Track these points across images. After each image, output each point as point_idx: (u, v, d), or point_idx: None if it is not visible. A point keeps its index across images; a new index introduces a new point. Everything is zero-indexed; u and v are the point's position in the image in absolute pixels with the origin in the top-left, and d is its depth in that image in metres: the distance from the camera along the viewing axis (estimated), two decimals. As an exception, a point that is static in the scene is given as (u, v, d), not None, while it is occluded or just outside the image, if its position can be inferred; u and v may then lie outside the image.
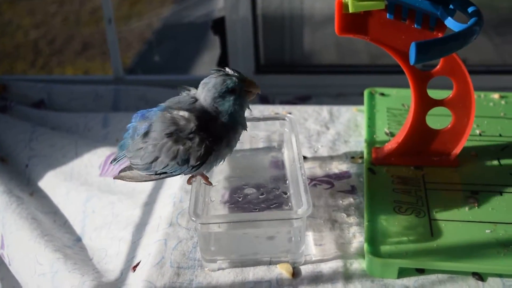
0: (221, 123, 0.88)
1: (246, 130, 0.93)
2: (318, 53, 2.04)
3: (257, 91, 0.90)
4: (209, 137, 0.87)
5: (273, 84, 1.87)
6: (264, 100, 1.82)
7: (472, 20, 0.86)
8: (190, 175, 0.95)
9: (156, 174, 0.90)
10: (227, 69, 0.88)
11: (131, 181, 0.94)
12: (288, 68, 1.93)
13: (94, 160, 1.33)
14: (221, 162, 0.93)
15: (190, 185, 0.95)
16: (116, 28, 1.86)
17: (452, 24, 0.89)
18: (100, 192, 1.22)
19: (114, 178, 0.97)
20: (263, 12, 1.89)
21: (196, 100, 0.89)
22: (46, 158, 1.35)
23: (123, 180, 0.96)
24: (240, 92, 0.88)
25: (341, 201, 1.03)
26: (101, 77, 2.01)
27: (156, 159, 0.89)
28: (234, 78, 0.87)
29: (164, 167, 0.89)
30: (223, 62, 1.93)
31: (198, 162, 0.87)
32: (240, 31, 1.84)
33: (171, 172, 0.89)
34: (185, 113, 0.88)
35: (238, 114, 0.89)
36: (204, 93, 0.89)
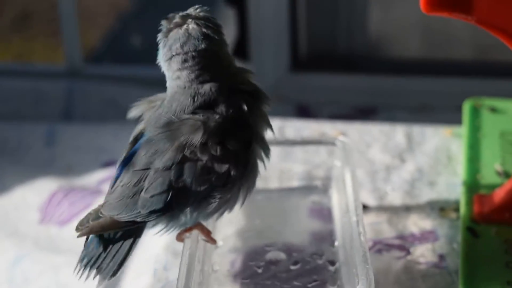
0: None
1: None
2: (391, 42, 2.04)
3: None
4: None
5: (319, 88, 1.87)
6: (304, 111, 1.82)
7: None
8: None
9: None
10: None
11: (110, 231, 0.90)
12: (342, 64, 1.93)
13: (32, 198, 1.33)
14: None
15: (182, 243, 0.95)
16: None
17: None
18: (39, 249, 1.22)
19: (80, 235, 0.91)
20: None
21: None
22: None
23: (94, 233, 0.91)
24: None
25: (422, 279, 1.02)
26: (48, 68, 2.02)
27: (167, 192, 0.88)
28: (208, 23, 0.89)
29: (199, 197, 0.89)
30: (240, 50, 1.93)
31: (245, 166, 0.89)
32: (269, 4, 1.85)
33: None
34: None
35: None
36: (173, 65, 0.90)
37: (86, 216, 0.90)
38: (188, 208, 0.89)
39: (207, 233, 0.96)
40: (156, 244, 1.11)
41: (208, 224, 1.00)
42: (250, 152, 0.90)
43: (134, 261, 1.14)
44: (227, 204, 0.91)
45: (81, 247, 1.21)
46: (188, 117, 0.88)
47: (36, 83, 1.81)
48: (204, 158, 0.87)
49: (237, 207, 0.93)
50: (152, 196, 0.87)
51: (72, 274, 1.15)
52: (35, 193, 1.34)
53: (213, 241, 0.97)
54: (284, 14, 1.85)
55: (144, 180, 0.87)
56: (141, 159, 0.88)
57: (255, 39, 1.87)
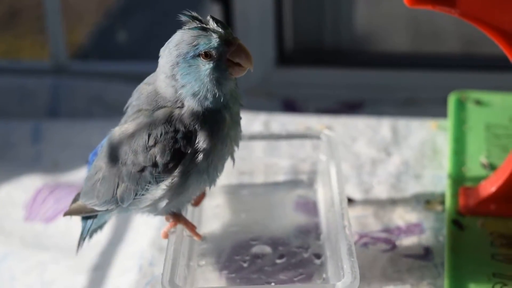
0: (189, 112, 0.89)
1: (237, 110, 0.91)
2: (377, 36, 2.04)
3: (248, 65, 0.88)
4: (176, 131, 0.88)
5: (305, 82, 1.87)
6: (290, 106, 1.82)
7: None
8: (169, 223, 0.95)
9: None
10: (209, 18, 0.87)
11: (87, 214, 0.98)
12: (329, 58, 1.93)
13: (17, 195, 1.33)
14: (218, 175, 0.94)
15: (166, 240, 0.95)
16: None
17: None
18: (24, 246, 1.22)
19: (65, 215, 1.00)
20: (292, -31, 1.91)
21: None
22: None
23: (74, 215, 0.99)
24: (219, 61, 0.87)
25: (407, 272, 1.02)
26: (33, 64, 2.02)
27: (117, 187, 0.92)
28: (214, 35, 0.86)
29: (136, 196, 0.91)
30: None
31: (169, 160, 0.88)
32: (254, -3, 1.86)
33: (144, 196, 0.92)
34: (128, 126, 0.90)
35: (214, 93, 0.88)
36: (163, 59, 0.89)
37: (75, 197, 0.99)
38: (130, 202, 0.92)
39: (192, 228, 0.96)
40: (141, 240, 1.11)
41: (193, 219, 1.01)
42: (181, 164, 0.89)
43: (119, 257, 1.14)
44: (159, 202, 0.92)
45: (66, 244, 1.22)
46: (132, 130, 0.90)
47: (21, 80, 1.80)
48: (139, 164, 0.89)
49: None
50: (104, 188, 0.92)
51: (58, 271, 1.16)
52: (20, 190, 1.34)
53: (198, 236, 0.97)
54: (270, 9, 1.85)
55: (100, 173, 0.92)
56: (101, 153, 0.94)
57: (241, 34, 1.86)
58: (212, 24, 0.87)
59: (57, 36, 1.91)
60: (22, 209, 1.30)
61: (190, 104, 0.88)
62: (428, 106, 1.73)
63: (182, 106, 0.88)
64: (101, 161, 0.93)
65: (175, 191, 0.90)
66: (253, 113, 1.33)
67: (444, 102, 1.33)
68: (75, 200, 0.99)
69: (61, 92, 1.78)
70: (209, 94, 0.88)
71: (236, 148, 0.94)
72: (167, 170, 0.88)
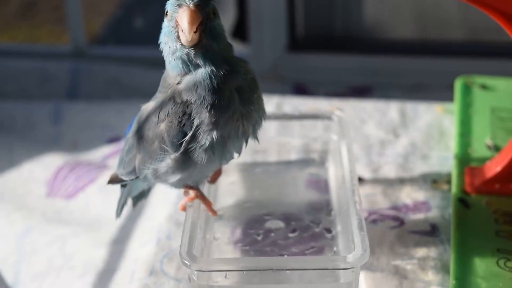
0: (184, 87, 0.89)
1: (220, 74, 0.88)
2: (386, 23, 2.04)
3: (184, 32, 0.84)
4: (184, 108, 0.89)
5: (316, 67, 1.87)
6: (301, 89, 1.83)
7: None
8: (187, 197, 0.96)
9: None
10: None
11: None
12: (339, 44, 1.93)
13: (39, 172, 1.34)
14: (229, 155, 0.94)
15: (184, 212, 0.96)
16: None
17: None
18: (46, 221, 1.23)
19: (108, 183, 1.02)
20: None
21: None
22: (-35, 168, 1.37)
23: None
24: (171, 21, 0.87)
25: (414, 247, 1.03)
26: (53, 48, 2.03)
27: (136, 158, 0.94)
28: None
29: (148, 168, 0.93)
30: (239, 31, 1.94)
31: (174, 136, 0.89)
32: (267, -15, 1.86)
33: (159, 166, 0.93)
34: (149, 104, 0.93)
35: (172, 52, 0.88)
36: None
37: None
38: (145, 174, 0.95)
39: (209, 204, 0.97)
40: (159, 214, 1.12)
41: (209, 194, 1.02)
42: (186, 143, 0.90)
43: (138, 232, 1.15)
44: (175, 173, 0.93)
45: (86, 219, 1.23)
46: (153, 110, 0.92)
47: (42, 64, 1.82)
48: (151, 138, 0.92)
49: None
50: (128, 158, 0.96)
51: (78, 244, 1.18)
52: (42, 168, 1.35)
53: (214, 213, 0.98)
54: (283, -4, 1.86)
55: (127, 145, 0.96)
56: (132, 126, 0.96)
57: (254, 20, 1.87)
58: None
59: (76, 22, 1.92)
60: (44, 186, 1.31)
61: (169, 68, 0.90)
62: (434, 92, 1.73)
63: (179, 82, 0.89)
64: (130, 134, 0.96)
65: (181, 166, 0.91)
66: (265, 96, 1.32)
67: (449, 88, 1.33)
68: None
69: (80, 75, 1.79)
70: (167, 53, 0.89)
71: (252, 129, 0.94)
72: (173, 145, 0.90)
